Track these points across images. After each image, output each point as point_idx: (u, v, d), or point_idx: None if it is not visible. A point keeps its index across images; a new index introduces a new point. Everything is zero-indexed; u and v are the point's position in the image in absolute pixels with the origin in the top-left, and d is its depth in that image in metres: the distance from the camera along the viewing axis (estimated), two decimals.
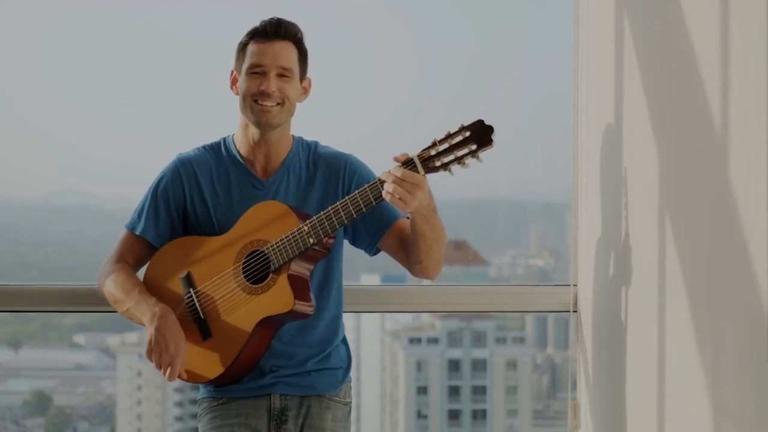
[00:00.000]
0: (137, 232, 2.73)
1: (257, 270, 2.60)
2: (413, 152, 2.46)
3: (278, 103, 2.65)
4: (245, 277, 2.60)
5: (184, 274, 2.64)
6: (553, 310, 3.24)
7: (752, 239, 2.12)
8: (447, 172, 2.45)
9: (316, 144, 2.77)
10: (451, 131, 2.44)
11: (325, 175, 2.72)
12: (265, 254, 2.58)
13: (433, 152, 2.44)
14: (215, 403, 2.72)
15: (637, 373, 2.73)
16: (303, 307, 2.59)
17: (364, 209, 2.51)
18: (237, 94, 2.70)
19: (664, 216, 2.55)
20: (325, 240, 2.58)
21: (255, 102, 2.65)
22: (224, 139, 2.77)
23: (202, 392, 2.76)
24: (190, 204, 2.71)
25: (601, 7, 3.00)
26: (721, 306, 2.28)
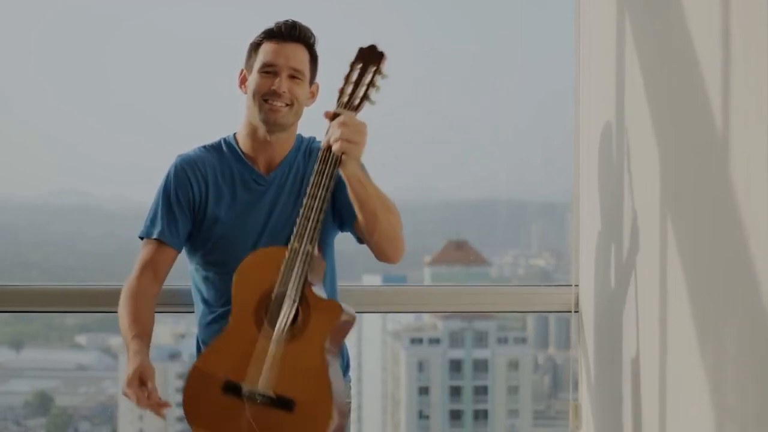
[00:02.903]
0: (154, 236, 2.68)
1: (284, 317, 2.48)
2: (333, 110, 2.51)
3: (287, 104, 2.67)
4: (278, 330, 2.48)
5: (222, 384, 2.50)
6: (554, 311, 3.24)
7: (753, 239, 2.12)
8: (368, 102, 2.49)
9: (312, 138, 2.79)
10: (346, 73, 2.50)
11: (313, 164, 2.72)
12: (278, 297, 2.49)
13: (345, 98, 2.49)
14: None
15: (638, 373, 2.73)
16: (347, 310, 2.51)
17: (330, 182, 2.47)
18: (245, 93, 2.71)
19: (665, 216, 2.55)
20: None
21: (265, 101, 2.66)
22: (224, 139, 2.78)
23: None
24: (197, 200, 2.71)
25: (602, 7, 2.99)
26: (723, 306, 2.28)
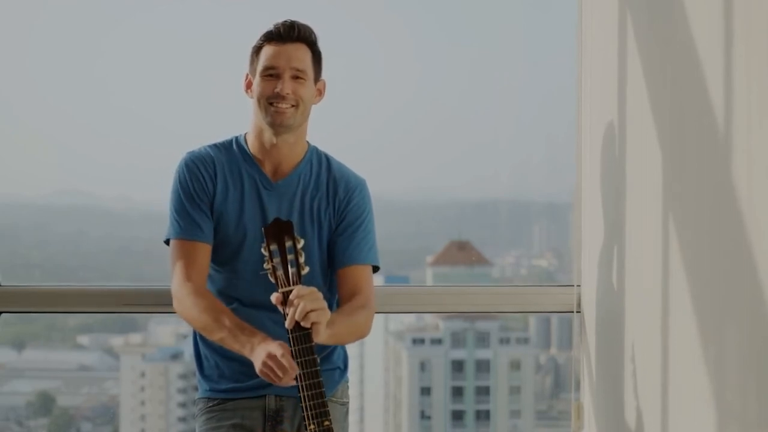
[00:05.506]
0: (182, 237, 2.67)
1: None
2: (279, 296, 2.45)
3: (293, 105, 2.66)
4: None
5: None
6: (556, 311, 3.25)
7: (756, 239, 2.12)
8: (303, 271, 2.44)
9: (329, 158, 2.77)
10: (264, 257, 2.44)
11: (328, 190, 2.72)
12: None
13: (282, 278, 2.42)
14: (211, 404, 2.72)
15: (640, 373, 2.73)
16: None
17: (315, 355, 2.42)
18: (252, 97, 2.71)
19: (667, 216, 2.55)
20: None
21: (270, 104, 2.66)
22: (236, 138, 2.78)
23: (199, 392, 2.77)
24: (210, 193, 2.71)
25: (605, 7, 2.99)
26: (725, 306, 2.28)
